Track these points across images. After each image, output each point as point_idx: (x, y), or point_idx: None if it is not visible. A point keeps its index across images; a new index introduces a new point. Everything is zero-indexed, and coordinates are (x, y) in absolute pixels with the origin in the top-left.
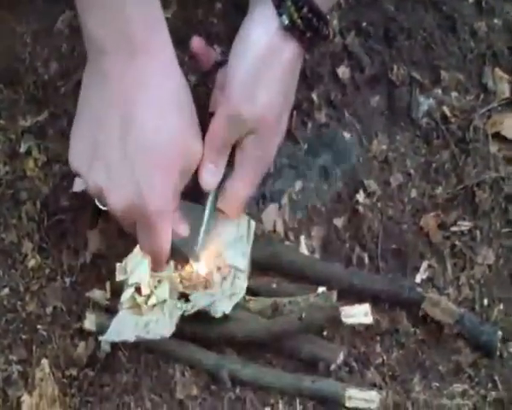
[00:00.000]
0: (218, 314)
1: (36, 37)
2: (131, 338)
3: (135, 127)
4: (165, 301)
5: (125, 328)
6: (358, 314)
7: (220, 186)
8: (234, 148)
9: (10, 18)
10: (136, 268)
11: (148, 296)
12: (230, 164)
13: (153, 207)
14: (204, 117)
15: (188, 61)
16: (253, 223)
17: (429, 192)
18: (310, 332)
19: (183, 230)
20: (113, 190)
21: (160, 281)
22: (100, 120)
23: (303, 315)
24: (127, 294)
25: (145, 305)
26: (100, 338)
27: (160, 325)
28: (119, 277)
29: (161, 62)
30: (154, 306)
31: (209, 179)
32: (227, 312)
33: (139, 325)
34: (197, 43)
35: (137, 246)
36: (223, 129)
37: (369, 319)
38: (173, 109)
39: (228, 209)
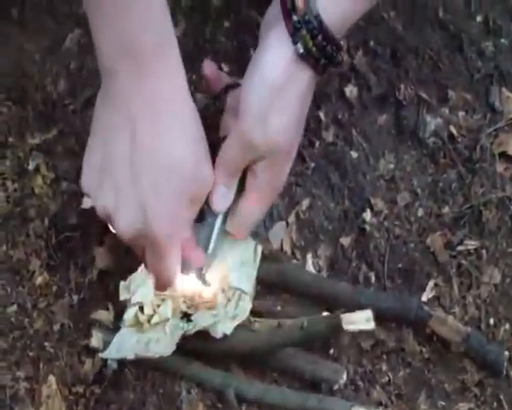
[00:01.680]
0: (219, 335)
1: (44, 54)
2: (131, 355)
3: (143, 152)
4: (167, 319)
5: (125, 345)
6: (360, 321)
7: (229, 208)
8: (245, 170)
9: (19, 35)
10: (139, 288)
11: (151, 316)
12: (241, 186)
13: (160, 234)
14: (214, 139)
15: (196, 79)
16: (259, 247)
17: (436, 211)
18: (312, 342)
19: (199, 258)
20: (121, 215)
21: (163, 300)
22: (109, 142)
23: (304, 324)
24: (130, 313)
25: (147, 323)
26: (100, 355)
27: (161, 344)
28: (122, 296)
29: (172, 87)
30: (157, 324)
31: (220, 201)
32: (228, 333)
33: (140, 343)
34: (208, 67)
35: (141, 266)
36: (235, 153)
37: (371, 325)
38: (183, 135)
39: (236, 232)
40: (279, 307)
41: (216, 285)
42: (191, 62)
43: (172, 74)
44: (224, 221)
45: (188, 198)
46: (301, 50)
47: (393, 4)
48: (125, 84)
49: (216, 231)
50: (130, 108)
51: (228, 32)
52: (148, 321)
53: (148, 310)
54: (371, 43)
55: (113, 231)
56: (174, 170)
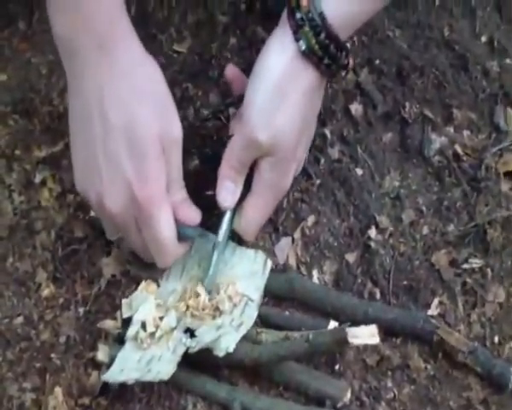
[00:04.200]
0: (222, 353)
1: (51, 68)
2: (131, 380)
3: (110, 123)
4: (172, 330)
5: (127, 366)
6: (365, 335)
7: (236, 210)
8: (252, 171)
9: (26, 49)
10: (141, 305)
11: (153, 333)
12: (247, 187)
13: (143, 194)
14: (213, 149)
15: (201, 94)
16: (269, 262)
17: (441, 229)
18: (317, 355)
19: (194, 216)
20: (107, 193)
21: (167, 310)
22: (84, 129)
23: (310, 337)
24: (133, 330)
25: (150, 340)
26: (102, 377)
27: (163, 363)
28: (125, 313)
29: (127, 54)
30: (161, 338)
31: (227, 197)
32: (231, 350)
33: (142, 363)
34: (231, 70)
35: (142, 284)
36: (239, 149)
37: (375, 340)
38: (144, 96)
39: (243, 231)
40: (287, 313)
41: (223, 292)
42: (197, 78)
43: (126, 41)
44: (232, 224)
45: (160, 154)
46: (303, 47)
47: (399, 23)
48: (84, 64)
49: (222, 234)
50: (94, 84)
51: (234, 49)
52: (152, 335)
53: (150, 328)
54: (376, 61)
55: (113, 238)
56: (141, 131)
